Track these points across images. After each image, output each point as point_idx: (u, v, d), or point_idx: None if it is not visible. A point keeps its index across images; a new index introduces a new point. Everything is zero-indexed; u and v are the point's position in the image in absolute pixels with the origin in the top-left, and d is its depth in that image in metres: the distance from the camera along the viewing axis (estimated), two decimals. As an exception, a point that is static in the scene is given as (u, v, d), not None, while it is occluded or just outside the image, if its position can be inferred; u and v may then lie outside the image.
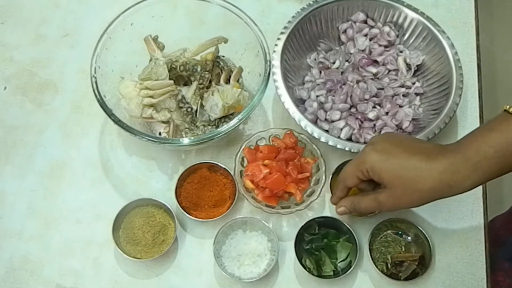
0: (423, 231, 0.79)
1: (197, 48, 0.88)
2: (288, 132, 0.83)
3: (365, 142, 0.84)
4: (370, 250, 0.79)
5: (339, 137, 0.85)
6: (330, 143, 0.82)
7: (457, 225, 0.84)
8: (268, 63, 0.82)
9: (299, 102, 0.87)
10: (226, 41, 0.88)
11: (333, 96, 0.89)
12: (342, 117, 0.87)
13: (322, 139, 0.82)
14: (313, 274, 0.78)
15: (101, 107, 0.78)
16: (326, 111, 0.88)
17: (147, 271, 0.81)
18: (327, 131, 0.86)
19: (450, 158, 0.63)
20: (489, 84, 0.95)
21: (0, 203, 0.85)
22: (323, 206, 0.85)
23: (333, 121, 0.87)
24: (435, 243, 0.82)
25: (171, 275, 0.81)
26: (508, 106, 0.63)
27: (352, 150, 0.81)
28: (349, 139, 0.86)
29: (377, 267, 0.79)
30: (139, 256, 0.79)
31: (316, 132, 0.82)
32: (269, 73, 0.81)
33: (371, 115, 0.87)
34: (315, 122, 0.87)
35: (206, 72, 0.86)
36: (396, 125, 0.87)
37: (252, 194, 0.81)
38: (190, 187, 0.83)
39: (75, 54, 0.97)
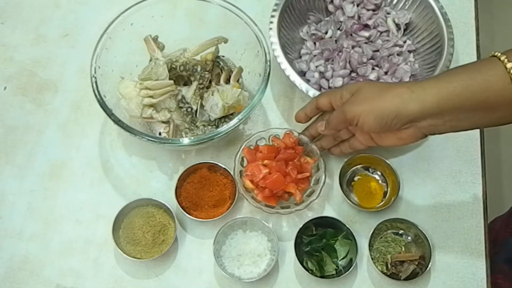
0: (423, 231, 0.79)
1: (197, 48, 0.88)
2: (288, 132, 0.83)
3: None
4: (370, 250, 0.79)
5: None
6: None
7: (457, 225, 0.84)
8: (268, 63, 0.82)
9: (300, 75, 0.88)
10: (226, 41, 0.88)
11: (332, 64, 0.91)
12: (345, 82, 0.90)
13: None
14: (316, 276, 0.78)
15: (101, 107, 0.78)
16: (328, 80, 0.90)
17: (147, 271, 0.81)
18: None
19: (413, 84, 0.68)
20: (489, 84, 0.95)
21: (0, 203, 0.86)
22: (323, 206, 0.85)
23: (336, 88, 0.89)
24: (435, 243, 0.82)
25: (171, 275, 0.81)
26: (497, 53, 0.64)
27: None
28: None
29: (377, 267, 0.79)
30: (139, 256, 0.79)
31: None
32: (269, 73, 0.81)
33: (372, 76, 0.89)
34: (319, 91, 0.88)
35: (206, 72, 0.86)
36: None
37: (252, 194, 0.81)
38: (190, 187, 0.83)
39: (75, 54, 0.97)
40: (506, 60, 0.62)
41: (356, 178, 0.87)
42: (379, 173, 0.87)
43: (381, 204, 0.84)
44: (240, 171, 0.83)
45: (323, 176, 0.81)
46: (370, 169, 0.87)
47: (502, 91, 0.62)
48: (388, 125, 0.68)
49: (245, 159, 0.84)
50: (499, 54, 0.64)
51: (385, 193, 0.85)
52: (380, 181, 0.86)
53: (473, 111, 0.65)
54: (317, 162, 0.83)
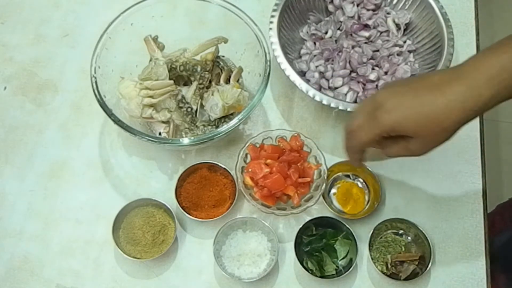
0: (423, 231, 0.79)
1: (197, 48, 0.88)
2: (296, 134, 0.83)
3: None
4: (370, 250, 0.79)
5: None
6: (341, 107, 0.83)
7: (457, 225, 0.84)
8: (268, 63, 0.82)
9: (300, 75, 0.87)
10: (226, 41, 0.87)
11: (332, 64, 0.91)
12: (345, 82, 0.90)
13: (332, 105, 0.83)
14: (316, 276, 0.78)
15: (101, 107, 0.78)
16: (327, 80, 0.90)
17: (147, 271, 0.81)
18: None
19: (467, 82, 0.58)
20: (489, 84, 0.95)
21: (0, 203, 0.85)
22: (320, 212, 0.84)
23: (336, 88, 0.90)
24: (435, 243, 0.82)
25: (171, 275, 0.81)
26: None
27: None
28: (355, 103, 0.87)
29: (377, 267, 0.79)
30: (139, 256, 0.79)
31: (325, 99, 0.83)
32: (269, 73, 0.81)
33: (372, 76, 0.89)
34: (319, 91, 0.87)
35: (206, 72, 0.86)
36: None
37: (251, 191, 0.81)
38: (190, 187, 0.83)
39: (75, 54, 0.97)
40: None
41: (337, 186, 0.86)
42: (361, 179, 0.86)
43: (365, 209, 0.84)
44: (242, 167, 0.83)
45: (324, 184, 0.81)
46: (351, 176, 0.87)
47: None
48: None
49: (249, 156, 0.83)
50: None
51: (369, 193, 0.85)
52: (361, 186, 0.86)
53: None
54: (320, 169, 0.82)
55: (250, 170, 0.80)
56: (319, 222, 0.81)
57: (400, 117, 0.60)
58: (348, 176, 0.87)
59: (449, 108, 0.58)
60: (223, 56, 0.91)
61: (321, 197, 0.81)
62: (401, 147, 0.64)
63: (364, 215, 0.82)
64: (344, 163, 0.85)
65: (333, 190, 0.86)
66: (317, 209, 0.84)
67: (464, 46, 0.98)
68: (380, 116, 0.61)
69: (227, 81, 0.88)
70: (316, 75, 0.90)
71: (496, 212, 1.10)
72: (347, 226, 0.79)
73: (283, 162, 0.80)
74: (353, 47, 0.92)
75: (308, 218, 0.81)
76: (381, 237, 0.82)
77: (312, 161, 0.84)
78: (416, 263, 0.79)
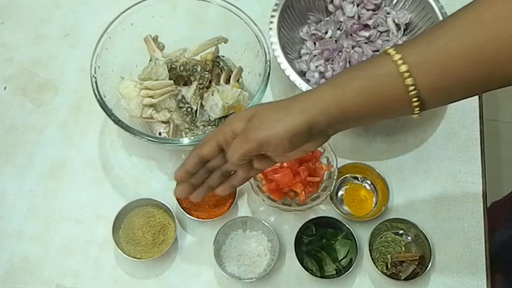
0: (423, 231, 0.79)
1: (197, 48, 0.88)
2: None
3: None
4: (370, 250, 0.79)
5: None
6: None
7: (457, 225, 0.84)
8: (268, 63, 0.82)
9: (300, 75, 0.87)
10: (226, 41, 0.88)
11: (332, 64, 0.91)
12: None
13: None
14: (316, 276, 0.78)
15: (101, 107, 0.78)
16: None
17: (147, 271, 0.81)
18: None
19: (302, 107, 0.61)
20: (488, 84, 0.95)
21: (0, 203, 0.86)
22: (326, 212, 0.84)
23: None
24: (435, 243, 0.82)
25: (171, 275, 0.81)
26: (389, 48, 0.57)
27: None
28: None
29: (377, 267, 0.79)
30: (139, 256, 0.79)
31: None
32: (269, 73, 0.81)
33: None
34: None
35: (206, 72, 0.86)
36: None
37: (259, 183, 0.81)
38: (190, 187, 0.83)
39: (75, 54, 0.97)
40: (400, 61, 0.56)
41: (344, 187, 0.86)
42: (369, 182, 0.86)
43: (372, 211, 0.84)
44: None
45: (332, 186, 0.81)
46: (359, 178, 0.87)
47: (398, 98, 0.57)
48: (301, 142, 0.62)
49: None
50: (393, 51, 0.57)
51: (376, 196, 0.85)
52: (369, 188, 0.86)
53: (375, 117, 0.62)
54: (331, 170, 0.82)
55: None
56: (319, 222, 0.81)
57: (244, 115, 0.62)
58: (356, 178, 0.87)
59: (299, 113, 0.60)
60: (223, 56, 0.91)
61: (328, 197, 0.81)
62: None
63: (370, 218, 0.82)
64: (353, 164, 0.85)
65: (341, 192, 0.86)
66: (323, 209, 0.84)
67: (464, 46, 0.98)
68: (230, 118, 0.63)
69: (227, 81, 0.88)
70: (316, 75, 0.91)
71: (490, 211, 1.10)
72: (347, 226, 0.79)
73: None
74: (353, 47, 0.92)
75: (308, 218, 0.81)
76: (381, 237, 0.82)
77: (324, 161, 0.83)
78: (416, 263, 0.79)
